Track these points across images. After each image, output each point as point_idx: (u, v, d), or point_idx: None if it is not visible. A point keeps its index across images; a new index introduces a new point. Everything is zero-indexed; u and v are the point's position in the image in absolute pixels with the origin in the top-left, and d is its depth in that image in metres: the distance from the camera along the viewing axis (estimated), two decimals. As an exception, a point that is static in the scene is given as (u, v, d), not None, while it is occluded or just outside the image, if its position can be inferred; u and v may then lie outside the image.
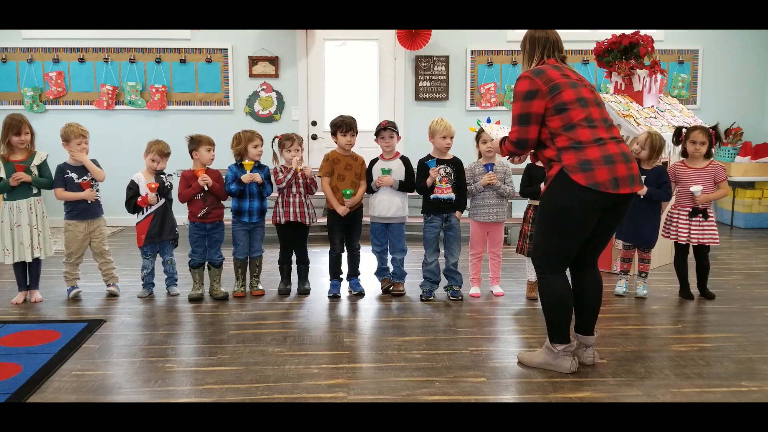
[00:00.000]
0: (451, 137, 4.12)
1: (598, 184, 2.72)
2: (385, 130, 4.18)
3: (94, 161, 4.27)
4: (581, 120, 2.79)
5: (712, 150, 4.11)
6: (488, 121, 4.12)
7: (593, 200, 2.76)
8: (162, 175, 4.25)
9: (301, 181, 4.22)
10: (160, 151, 4.20)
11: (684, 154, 4.16)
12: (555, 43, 2.98)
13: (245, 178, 4.13)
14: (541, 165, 4.08)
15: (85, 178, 4.17)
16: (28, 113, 6.68)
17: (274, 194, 4.33)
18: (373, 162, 4.29)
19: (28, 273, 4.19)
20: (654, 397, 2.75)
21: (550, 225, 2.89)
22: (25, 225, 4.06)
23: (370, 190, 4.27)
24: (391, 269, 4.34)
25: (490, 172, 4.10)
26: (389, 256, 4.33)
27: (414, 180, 4.25)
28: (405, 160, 4.27)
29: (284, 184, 4.19)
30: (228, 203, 4.32)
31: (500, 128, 3.60)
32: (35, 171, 4.10)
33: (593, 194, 2.74)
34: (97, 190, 4.25)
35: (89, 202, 4.20)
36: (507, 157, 3.15)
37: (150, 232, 4.20)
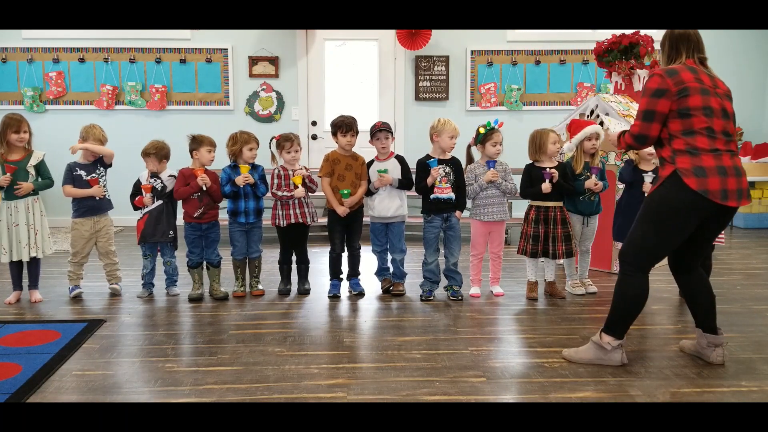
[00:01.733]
0: (457, 137, 4.13)
1: (708, 192, 2.76)
2: (381, 131, 4.17)
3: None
4: (702, 129, 2.81)
5: None
6: (495, 122, 4.14)
7: (700, 206, 2.80)
8: (157, 178, 4.24)
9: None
10: (142, 153, 4.24)
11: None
12: (697, 44, 2.99)
13: (239, 180, 4.12)
14: (544, 166, 4.10)
15: (93, 175, 4.19)
16: (28, 113, 6.69)
17: (270, 194, 4.33)
18: (369, 164, 4.29)
19: (27, 273, 4.19)
20: (654, 397, 2.74)
21: (653, 223, 2.91)
22: (22, 224, 4.06)
23: (370, 193, 4.27)
24: (391, 269, 4.34)
25: (492, 168, 4.10)
26: (389, 256, 4.33)
27: (411, 177, 4.25)
28: (400, 159, 4.27)
29: (279, 197, 4.20)
30: (223, 204, 4.32)
31: (617, 123, 3.61)
32: (32, 171, 4.09)
33: (702, 200, 2.78)
34: (105, 186, 4.25)
35: (97, 199, 4.21)
36: (624, 149, 3.19)
37: (144, 231, 4.22)
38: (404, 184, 4.22)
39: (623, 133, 3.09)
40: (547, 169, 4.04)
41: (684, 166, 2.80)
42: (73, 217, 4.25)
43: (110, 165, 4.31)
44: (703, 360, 3.09)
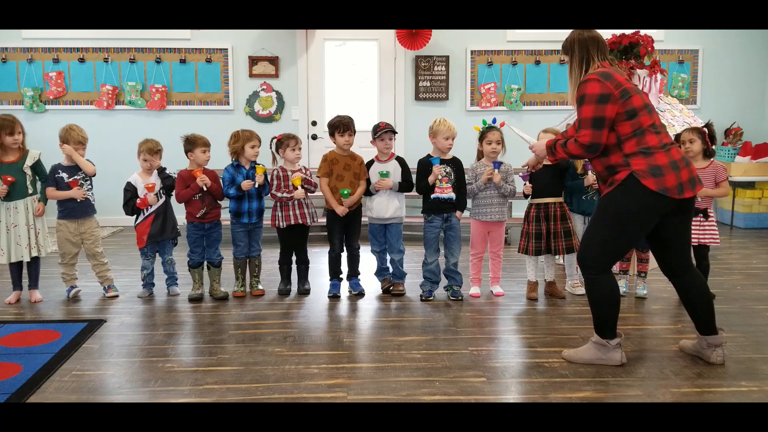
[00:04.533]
0: (453, 138, 4.13)
1: (667, 189, 2.78)
2: (386, 132, 4.17)
3: (88, 161, 4.23)
4: (649, 126, 2.83)
5: (713, 149, 4.09)
6: (494, 121, 4.14)
7: (660, 205, 2.82)
8: (166, 171, 4.25)
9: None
10: (149, 149, 4.18)
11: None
12: (605, 46, 2.99)
13: (245, 185, 4.12)
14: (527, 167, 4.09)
15: (75, 177, 4.15)
16: (28, 113, 6.69)
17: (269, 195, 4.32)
18: (369, 164, 4.28)
19: (27, 273, 4.19)
20: (654, 397, 2.75)
21: (612, 228, 2.90)
22: (22, 225, 4.05)
23: (369, 193, 4.27)
24: (391, 270, 4.34)
25: (493, 169, 4.09)
26: (388, 256, 4.33)
27: (411, 179, 4.24)
28: (401, 161, 4.26)
29: (279, 199, 4.20)
30: (225, 203, 4.31)
31: (523, 132, 3.59)
32: (29, 172, 4.08)
33: (661, 199, 2.79)
34: (88, 189, 4.20)
35: (78, 201, 4.16)
36: (567, 160, 3.07)
37: (151, 232, 4.19)
38: (404, 187, 4.21)
39: (563, 144, 2.98)
40: (520, 174, 4.09)
41: (640, 167, 2.79)
42: (58, 218, 4.19)
43: (93, 175, 4.24)
44: (703, 360, 3.09)
